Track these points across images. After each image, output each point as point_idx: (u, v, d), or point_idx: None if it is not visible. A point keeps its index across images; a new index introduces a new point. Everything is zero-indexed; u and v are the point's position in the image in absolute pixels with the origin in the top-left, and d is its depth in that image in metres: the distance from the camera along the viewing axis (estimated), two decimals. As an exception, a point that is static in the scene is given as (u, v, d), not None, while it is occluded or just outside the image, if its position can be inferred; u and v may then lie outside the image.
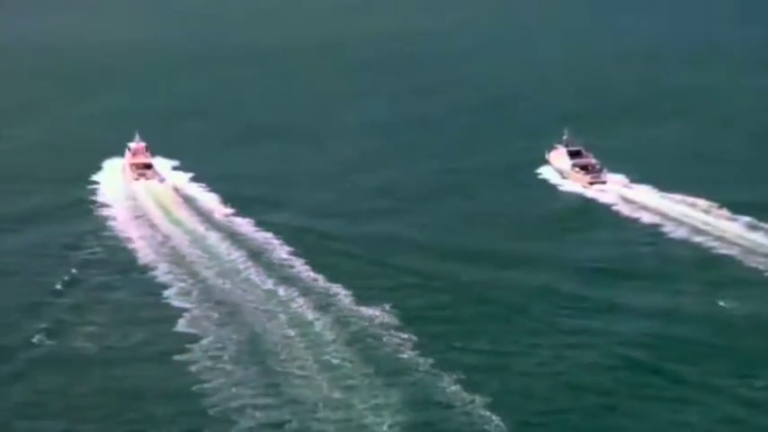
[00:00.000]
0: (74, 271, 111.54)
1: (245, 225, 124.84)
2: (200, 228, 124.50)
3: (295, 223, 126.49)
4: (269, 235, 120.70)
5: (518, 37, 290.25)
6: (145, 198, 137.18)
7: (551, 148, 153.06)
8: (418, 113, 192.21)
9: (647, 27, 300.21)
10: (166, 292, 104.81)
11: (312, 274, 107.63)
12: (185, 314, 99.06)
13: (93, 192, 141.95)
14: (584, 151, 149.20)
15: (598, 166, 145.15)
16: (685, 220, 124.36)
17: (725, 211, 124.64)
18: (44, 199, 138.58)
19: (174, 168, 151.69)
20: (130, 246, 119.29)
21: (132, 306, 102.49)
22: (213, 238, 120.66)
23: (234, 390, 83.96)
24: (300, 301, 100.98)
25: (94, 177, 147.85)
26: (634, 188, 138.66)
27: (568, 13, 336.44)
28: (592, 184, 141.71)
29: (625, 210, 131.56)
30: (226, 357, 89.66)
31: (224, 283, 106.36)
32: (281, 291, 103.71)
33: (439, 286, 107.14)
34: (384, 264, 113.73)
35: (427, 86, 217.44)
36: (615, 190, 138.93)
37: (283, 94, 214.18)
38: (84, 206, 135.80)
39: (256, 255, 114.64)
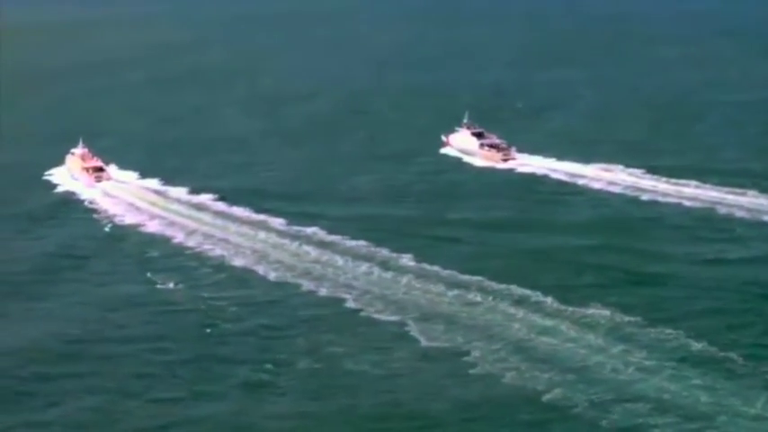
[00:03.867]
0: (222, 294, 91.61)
1: (284, 225, 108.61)
2: (251, 232, 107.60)
3: (332, 217, 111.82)
4: (337, 236, 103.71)
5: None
6: (138, 201, 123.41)
7: (450, 132, 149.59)
8: (284, 122, 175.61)
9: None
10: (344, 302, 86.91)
11: (457, 274, 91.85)
12: (405, 325, 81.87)
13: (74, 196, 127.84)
14: (485, 132, 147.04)
15: (504, 144, 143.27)
16: (622, 182, 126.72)
17: (641, 172, 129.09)
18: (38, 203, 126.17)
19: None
20: (222, 259, 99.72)
21: (324, 321, 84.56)
22: (286, 242, 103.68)
23: (577, 395, 70.14)
24: (495, 303, 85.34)
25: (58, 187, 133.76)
26: (552, 162, 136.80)
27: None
28: (505, 160, 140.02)
29: (563, 178, 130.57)
30: (516, 365, 74.47)
31: (384, 291, 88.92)
32: (458, 293, 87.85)
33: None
34: (495, 246, 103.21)
35: (268, 96, 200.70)
36: (534, 163, 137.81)
37: (151, 105, 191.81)
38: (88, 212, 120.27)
39: (358, 256, 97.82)
